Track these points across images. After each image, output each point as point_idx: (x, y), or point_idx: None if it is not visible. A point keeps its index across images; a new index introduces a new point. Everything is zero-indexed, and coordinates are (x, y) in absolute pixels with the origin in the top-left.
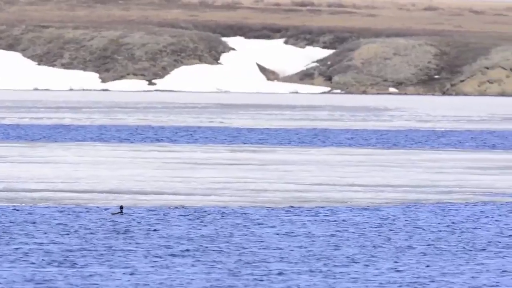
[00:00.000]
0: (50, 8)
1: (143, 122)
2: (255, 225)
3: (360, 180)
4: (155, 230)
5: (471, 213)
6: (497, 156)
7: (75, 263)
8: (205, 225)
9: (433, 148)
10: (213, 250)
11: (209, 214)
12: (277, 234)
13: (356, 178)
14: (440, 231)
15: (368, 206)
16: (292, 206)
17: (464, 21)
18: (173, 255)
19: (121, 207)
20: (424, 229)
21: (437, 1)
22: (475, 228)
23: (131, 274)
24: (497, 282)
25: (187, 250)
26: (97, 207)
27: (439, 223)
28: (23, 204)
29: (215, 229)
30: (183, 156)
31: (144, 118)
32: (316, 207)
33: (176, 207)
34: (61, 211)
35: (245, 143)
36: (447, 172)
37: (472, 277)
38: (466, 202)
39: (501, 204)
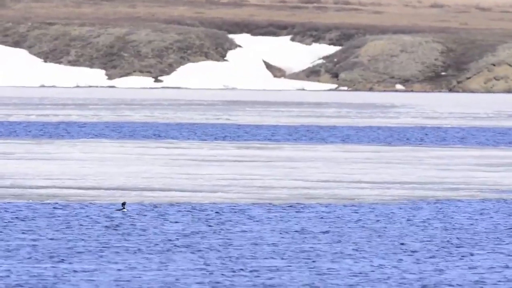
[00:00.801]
0: (56, 5)
1: (150, 119)
2: (253, 222)
3: (367, 177)
4: (148, 226)
5: (477, 210)
6: (503, 153)
7: (63, 259)
8: (195, 222)
9: (440, 145)
10: (204, 247)
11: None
12: (273, 231)
13: (363, 175)
14: (445, 228)
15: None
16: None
17: (470, 18)
18: (160, 251)
19: (124, 203)
20: (425, 226)
21: None
22: (481, 226)
23: (119, 270)
24: (498, 280)
25: (177, 246)
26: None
27: (443, 220)
28: (30, 201)
29: (209, 225)
30: (189, 153)
31: (150, 115)
32: (318, 204)
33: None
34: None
35: (251, 140)
36: (453, 169)
37: (473, 274)
38: (473, 199)
39: (509, 201)
